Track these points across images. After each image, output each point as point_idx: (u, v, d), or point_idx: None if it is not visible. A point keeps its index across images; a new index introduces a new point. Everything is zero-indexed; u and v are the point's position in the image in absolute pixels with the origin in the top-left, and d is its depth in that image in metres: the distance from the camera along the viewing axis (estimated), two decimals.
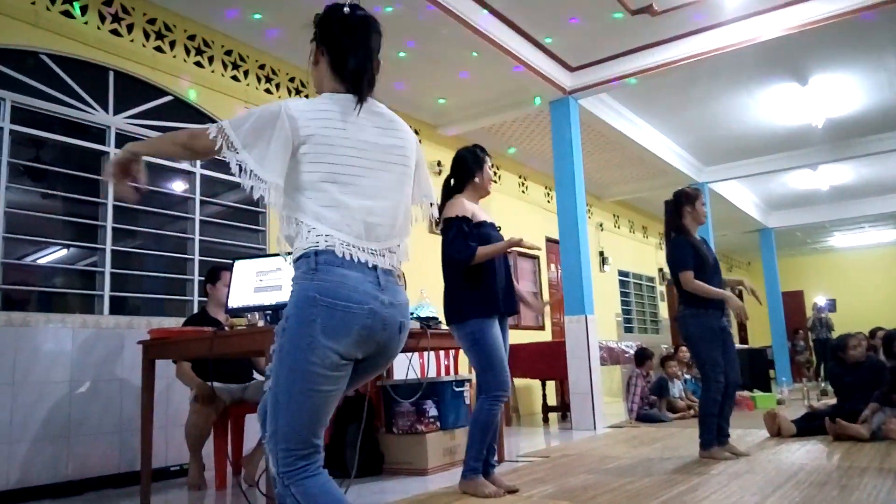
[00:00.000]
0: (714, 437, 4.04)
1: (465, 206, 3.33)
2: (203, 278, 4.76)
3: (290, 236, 1.56)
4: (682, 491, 3.13)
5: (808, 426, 4.90)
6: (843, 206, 12.95)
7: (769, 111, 7.82)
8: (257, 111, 1.55)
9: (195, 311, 4.67)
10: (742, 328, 17.96)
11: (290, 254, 1.58)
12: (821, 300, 14.25)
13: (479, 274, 3.26)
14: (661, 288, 12.98)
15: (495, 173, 8.54)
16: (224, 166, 5.22)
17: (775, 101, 7.49)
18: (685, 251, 4.17)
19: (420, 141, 7.80)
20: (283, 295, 3.20)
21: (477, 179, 3.42)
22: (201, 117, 5.00)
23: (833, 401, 5.80)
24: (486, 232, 3.34)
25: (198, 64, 5.02)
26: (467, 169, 3.44)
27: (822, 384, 8.84)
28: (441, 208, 3.38)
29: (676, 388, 7.18)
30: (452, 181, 3.48)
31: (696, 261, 4.12)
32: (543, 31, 5.69)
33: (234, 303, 3.34)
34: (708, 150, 9.34)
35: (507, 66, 5.77)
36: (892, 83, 7.12)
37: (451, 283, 3.33)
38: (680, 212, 4.33)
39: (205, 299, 4.73)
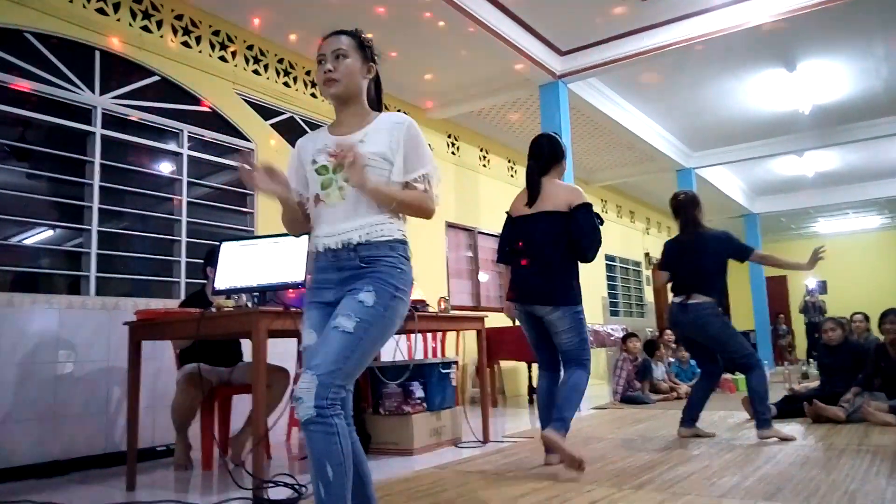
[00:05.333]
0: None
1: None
2: (188, 260, 4.77)
3: (389, 222, 1.82)
4: (664, 470, 3.19)
5: (788, 408, 4.98)
6: (828, 193, 13.06)
7: (757, 97, 7.85)
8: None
9: (182, 292, 4.67)
10: (727, 312, 18.12)
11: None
12: (811, 283, 14.11)
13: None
14: (647, 272, 13.07)
15: (484, 157, 8.54)
16: (211, 147, 5.21)
17: (763, 86, 7.52)
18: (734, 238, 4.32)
19: None
20: (270, 276, 3.21)
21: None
22: (188, 98, 4.97)
23: (813, 384, 5.92)
24: None
25: (185, 44, 4.98)
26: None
27: (804, 367, 8.97)
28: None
29: (660, 371, 7.27)
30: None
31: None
32: (534, 14, 5.67)
33: (221, 284, 3.34)
34: (696, 136, 9.37)
35: (497, 49, 5.75)
36: (879, 70, 7.17)
37: (568, 266, 3.41)
38: (694, 211, 4.37)
39: (192, 280, 4.74)
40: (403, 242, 1.84)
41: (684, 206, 4.39)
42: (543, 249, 3.40)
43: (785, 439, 3.94)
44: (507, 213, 3.67)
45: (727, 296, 4.20)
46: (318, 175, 1.85)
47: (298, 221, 1.94)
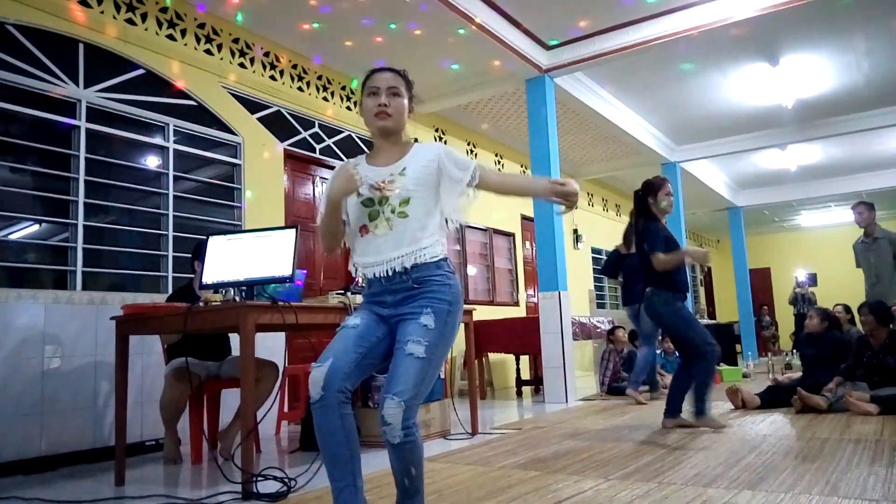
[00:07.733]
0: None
1: None
2: (175, 254, 4.75)
3: (434, 244, 1.98)
4: (650, 461, 3.23)
5: (772, 399, 5.05)
6: (811, 186, 13.18)
7: (741, 91, 7.91)
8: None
9: (169, 286, 4.65)
10: (711, 304, 18.30)
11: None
12: (801, 275, 14.08)
13: None
14: None
15: (471, 150, 8.55)
16: (197, 141, 5.18)
17: (747, 81, 7.57)
18: (656, 235, 4.30)
19: None
20: (258, 270, 3.21)
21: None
22: (174, 91, 4.94)
23: (796, 374, 6.00)
24: None
25: (170, 37, 4.94)
26: None
27: (787, 358, 9.07)
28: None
29: None
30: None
31: (666, 245, 4.26)
32: (519, 8, 5.68)
33: (208, 278, 3.33)
34: (680, 130, 9.43)
35: (483, 43, 5.75)
36: (860, 65, 7.24)
37: None
38: (645, 202, 4.45)
39: (180, 274, 4.72)
40: (446, 258, 2.02)
41: (636, 198, 4.55)
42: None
43: (689, 426, 4.20)
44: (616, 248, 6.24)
45: (671, 279, 4.28)
46: (364, 207, 1.98)
47: (338, 235, 2.06)
